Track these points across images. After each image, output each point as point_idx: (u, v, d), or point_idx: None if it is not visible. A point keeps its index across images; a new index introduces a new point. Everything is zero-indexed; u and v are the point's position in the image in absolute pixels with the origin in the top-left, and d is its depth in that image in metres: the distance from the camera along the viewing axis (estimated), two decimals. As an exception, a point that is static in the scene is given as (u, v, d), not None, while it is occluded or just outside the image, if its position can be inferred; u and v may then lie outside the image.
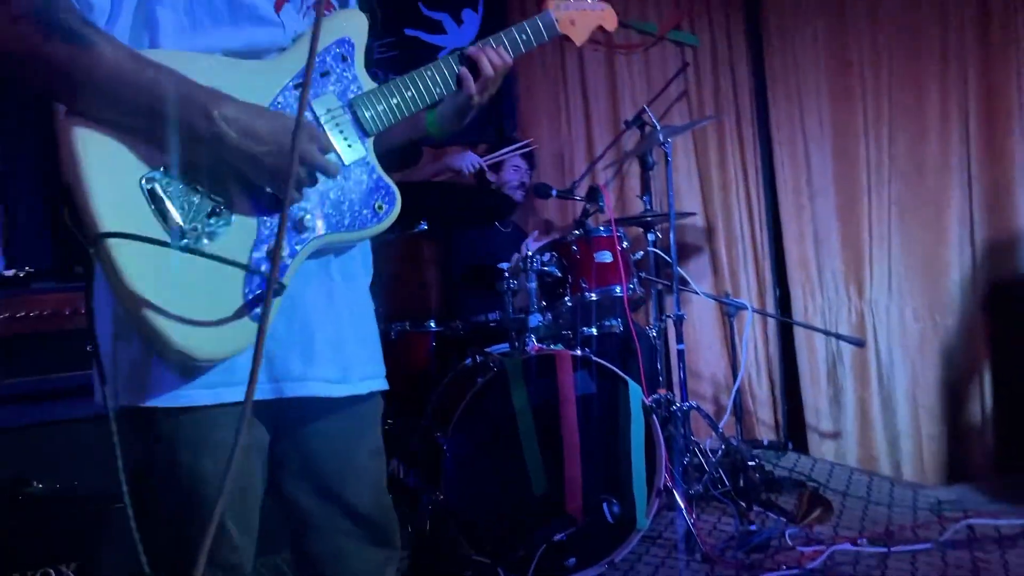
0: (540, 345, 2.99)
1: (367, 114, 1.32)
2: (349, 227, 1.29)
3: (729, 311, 4.14)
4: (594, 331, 3.30)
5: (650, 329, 3.68)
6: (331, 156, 1.27)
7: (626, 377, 2.87)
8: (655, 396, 3.36)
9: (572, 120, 4.59)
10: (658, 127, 3.66)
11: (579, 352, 2.88)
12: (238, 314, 1.16)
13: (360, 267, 1.44)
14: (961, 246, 3.96)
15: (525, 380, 2.74)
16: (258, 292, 1.17)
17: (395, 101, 1.35)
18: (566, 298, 3.21)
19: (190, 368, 1.18)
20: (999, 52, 3.80)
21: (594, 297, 3.17)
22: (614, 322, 3.41)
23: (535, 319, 3.06)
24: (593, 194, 3.41)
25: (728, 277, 4.57)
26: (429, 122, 1.52)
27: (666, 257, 3.65)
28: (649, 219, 3.80)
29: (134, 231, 1.07)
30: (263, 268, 1.18)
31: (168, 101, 1.09)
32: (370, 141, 1.34)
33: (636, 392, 2.86)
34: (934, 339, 4.04)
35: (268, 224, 1.21)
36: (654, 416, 2.91)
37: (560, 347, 3.01)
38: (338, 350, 1.34)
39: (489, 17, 4.44)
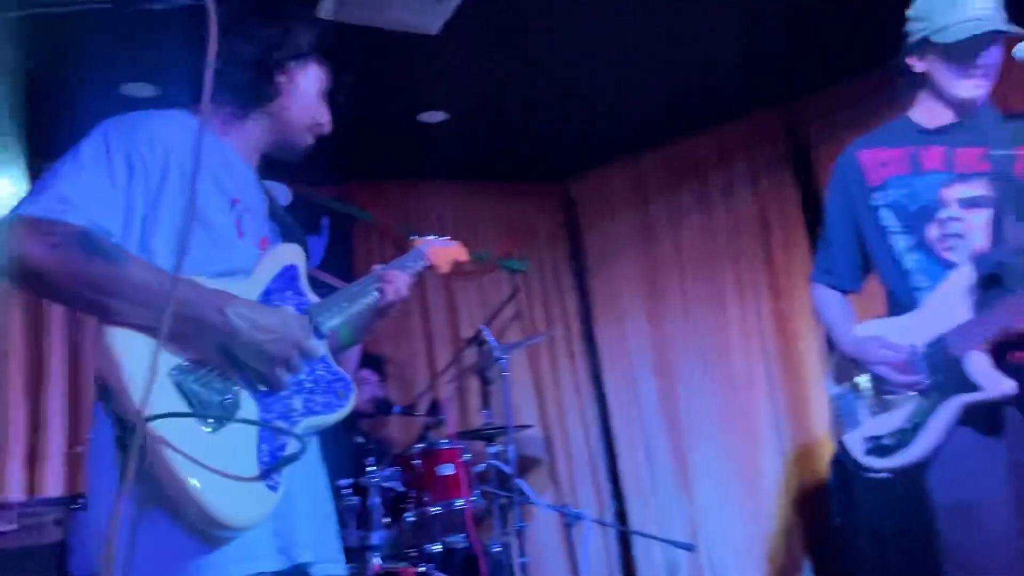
0: (383, 564, 2.93)
1: (319, 319, 1.55)
2: (322, 412, 1.49)
3: (569, 521, 4.22)
4: (438, 547, 3.28)
5: (493, 544, 3.68)
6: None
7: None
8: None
9: (413, 339, 4.76)
10: (494, 344, 3.89)
11: (423, 569, 2.85)
12: (257, 484, 1.32)
13: (319, 456, 1.60)
14: (774, 454, 4.31)
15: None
16: (270, 461, 1.34)
17: (338, 312, 1.60)
18: (409, 513, 3.19)
19: (213, 544, 1.29)
20: (785, 280, 4.39)
21: (437, 511, 3.18)
22: (457, 537, 3.40)
23: (378, 536, 3.02)
24: (435, 408, 3.51)
25: (567, 489, 4.70)
26: (343, 334, 1.73)
27: (506, 469, 3.74)
28: (489, 432, 3.92)
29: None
30: (271, 443, 1.37)
31: (190, 304, 1.30)
32: (324, 342, 1.56)
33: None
34: (759, 544, 4.27)
35: (267, 407, 1.40)
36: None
37: (404, 564, 2.97)
38: (324, 527, 1.52)
39: (333, 240, 4.65)
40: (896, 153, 2.04)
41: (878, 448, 2.02)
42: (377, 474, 3.13)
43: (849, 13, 3.45)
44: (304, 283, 1.59)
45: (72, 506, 2.51)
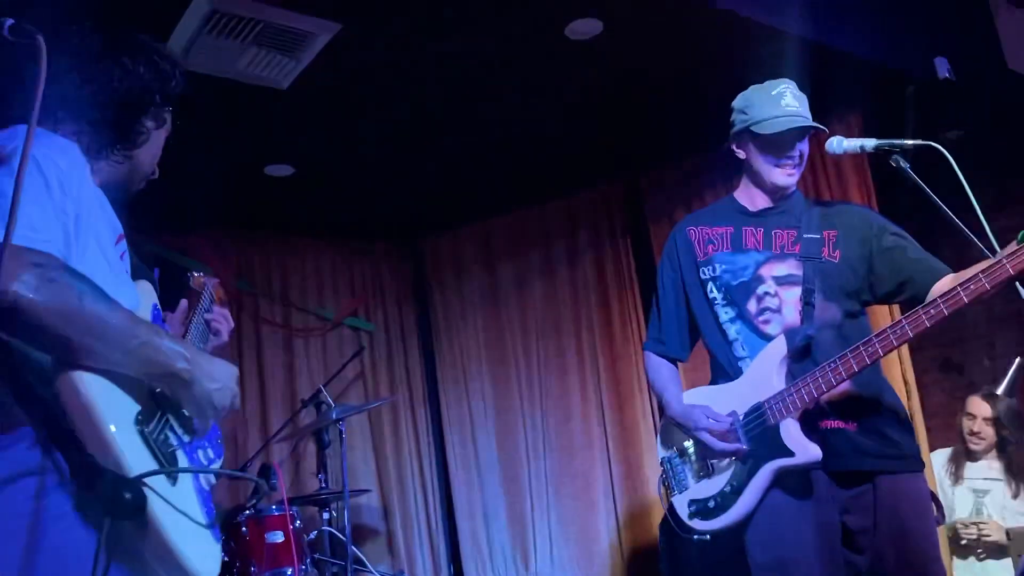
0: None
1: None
2: (216, 457, 1.49)
3: (404, 590, 4.12)
4: (262, 621, 3.09)
5: (323, 616, 3.52)
6: None
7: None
8: None
9: (246, 399, 4.56)
10: (333, 406, 3.79)
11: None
12: (209, 538, 1.33)
13: None
14: (607, 516, 4.41)
15: None
16: (207, 511, 1.35)
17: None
18: (233, 584, 3.01)
19: None
20: (621, 347, 4.56)
21: (263, 582, 3.02)
22: (286, 610, 3.23)
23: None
24: (265, 472, 3.35)
25: (404, 555, 4.58)
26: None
27: (341, 536, 3.61)
28: (324, 497, 3.78)
29: (145, 469, 1.19)
30: (202, 494, 1.38)
31: (166, 352, 1.29)
32: None
33: None
34: (593, 606, 4.32)
35: (190, 454, 1.39)
36: None
37: (223, 640, 2.77)
38: None
39: (165, 289, 4.42)
40: (721, 231, 2.20)
41: (702, 511, 2.12)
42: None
43: (685, 97, 3.71)
44: (164, 324, 1.58)
45: None
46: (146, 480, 1.18)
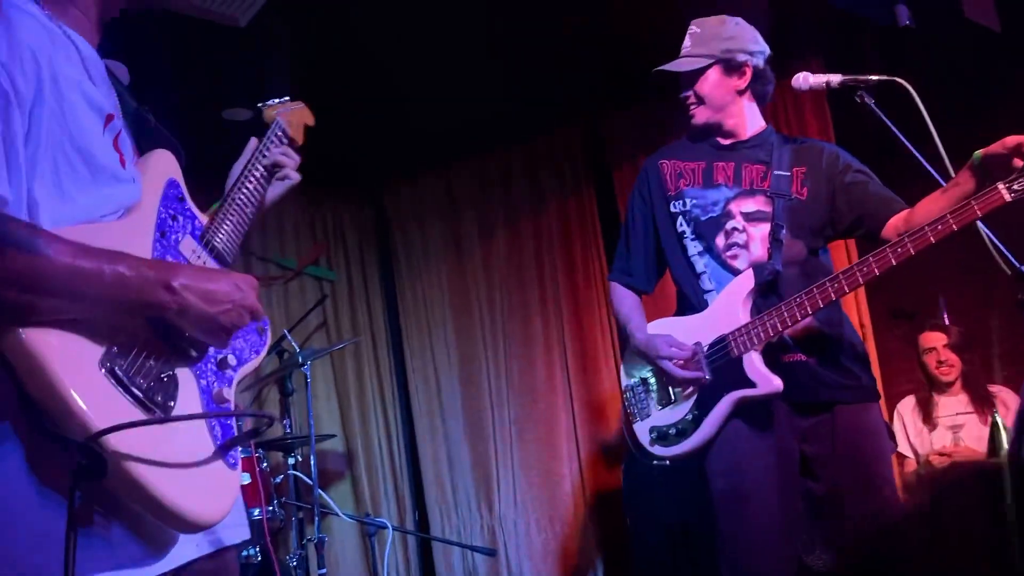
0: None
1: (219, 244, 1.40)
2: (251, 356, 1.38)
3: (370, 531, 4.15)
4: (230, 561, 3.11)
5: (290, 557, 3.54)
6: None
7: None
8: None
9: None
10: (298, 350, 3.77)
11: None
12: (219, 467, 1.21)
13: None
14: (570, 460, 4.49)
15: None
16: (223, 432, 1.24)
17: (234, 220, 1.46)
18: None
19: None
20: (584, 293, 4.60)
21: (231, 523, 3.02)
22: (251, 551, 3.25)
23: (164, 551, 2.81)
24: (231, 415, 3.34)
25: (369, 500, 4.63)
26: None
27: (307, 479, 3.63)
28: (289, 442, 3.79)
29: (118, 420, 1.05)
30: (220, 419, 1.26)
31: (130, 285, 1.10)
32: (229, 269, 1.41)
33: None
34: (555, 546, 4.42)
35: (202, 373, 1.27)
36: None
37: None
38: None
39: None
40: (692, 166, 2.23)
41: (662, 437, 2.18)
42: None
43: (644, 40, 3.70)
44: (189, 200, 1.38)
45: None
46: (112, 433, 1.04)
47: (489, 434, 4.65)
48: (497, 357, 4.73)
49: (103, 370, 1.10)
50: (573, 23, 3.61)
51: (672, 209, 2.23)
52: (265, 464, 3.25)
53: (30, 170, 1.11)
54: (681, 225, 2.21)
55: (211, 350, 1.29)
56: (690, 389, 2.14)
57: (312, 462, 3.57)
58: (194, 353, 1.26)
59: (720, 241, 2.15)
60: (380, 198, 5.18)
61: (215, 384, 1.28)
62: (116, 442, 1.06)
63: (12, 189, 1.09)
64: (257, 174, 1.57)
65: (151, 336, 1.18)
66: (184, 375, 1.23)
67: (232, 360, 1.33)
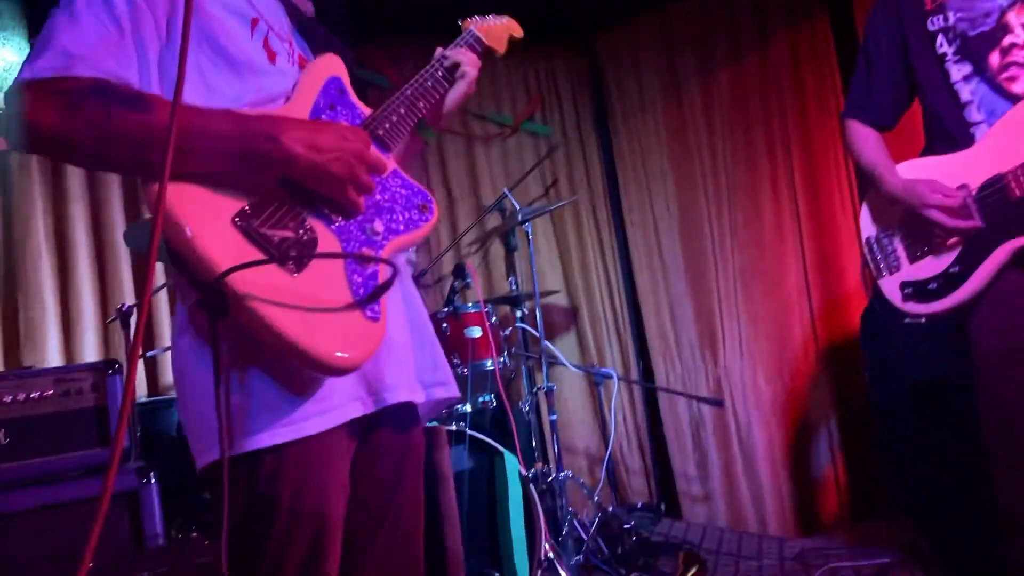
0: (415, 423, 2.98)
1: (381, 132, 1.41)
2: (406, 230, 1.36)
3: (597, 380, 4.28)
4: (467, 407, 3.33)
5: (523, 403, 3.74)
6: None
7: (502, 449, 2.90)
8: (532, 470, 3.40)
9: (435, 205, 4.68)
10: (519, 209, 3.82)
11: (454, 428, 2.90)
12: (358, 318, 1.22)
13: (409, 278, 1.52)
14: (800, 310, 4.28)
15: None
16: (365, 289, 1.25)
17: (402, 111, 1.46)
18: (439, 375, 3.22)
19: (312, 391, 1.23)
20: (818, 133, 4.23)
21: (466, 372, 3.21)
22: (487, 397, 3.45)
23: (409, 397, 3.05)
24: (459, 271, 3.48)
25: (594, 352, 4.73)
26: (426, 132, 1.59)
27: (534, 332, 3.75)
28: (515, 296, 3.91)
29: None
30: (362, 274, 1.27)
31: (234, 138, 1.17)
32: (391, 155, 1.43)
33: (513, 464, 2.89)
34: (785, 399, 4.31)
35: (347, 236, 1.29)
36: (532, 487, 2.94)
37: (436, 424, 3.01)
38: (423, 354, 1.44)
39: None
40: None
41: (920, 292, 1.97)
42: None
43: None
44: (352, 95, 1.44)
45: (108, 371, 2.54)
46: (241, 272, 1.11)
47: (712, 286, 4.52)
48: (720, 206, 4.53)
49: (235, 224, 1.18)
50: None
51: (930, 27, 1.90)
52: (494, 318, 3.38)
53: (170, 67, 1.23)
54: (942, 45, 1.89)
55: (359, 217, 1.31)
56: (954, 239, 1.89)
57: (538, 315, 3.67)
58: (335, 215, 1.29)
59: (994, 60, 1.83)
60: (593, 47, 4.99)
61: (361, 248, 1.29)
62: (242, 284, 1.12)
63: (139, 78, 1.22)
64: (438, 73, 1.56)
65: (288, 196, 1.24)
66: (326, 235, 1.26)
67: (380, 227, 1.33)
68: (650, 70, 4.75)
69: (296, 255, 1.19)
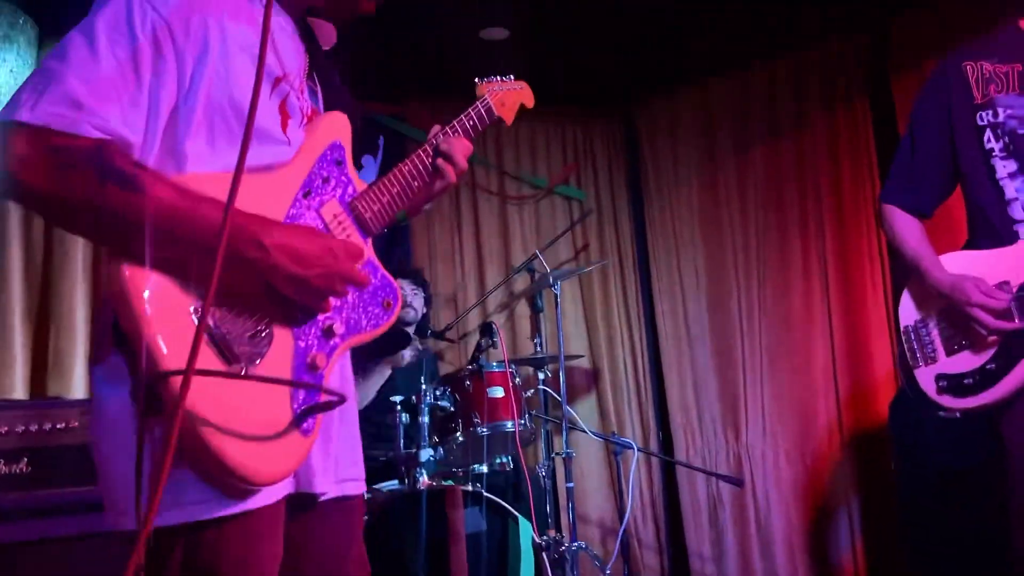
0: (430, 481, 2.95)
1: (367, 215, 1.38)
2: (366, 327, 1.33)
3: (616, 450, 4.21)
4: (484, 468, 3.29)
5: (540, 467, 3.69)
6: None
7: (516, 514, 2.85)
8: (545, 537, 3.33)
9: (465, 261, 4.71)
10: (548, 271, 3.83)
11: (470, 488, 2.86)
12: (289, 431, 1.18)
13: (350, 370, 1.46)
14: (827, 393, 4.22)
15: (415, 516, 2.68)
16: (305, 406, 1.20)
17: (386, 199, 1.41)
18: (458, 433, 3.20)
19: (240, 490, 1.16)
20: (852, 216, 4.22)
21: (485, 432, 3.18)
22: (504, 459, 3.41)
23: (426, 454, 3.02)
24: (488, 329, 3.47)
25: (614, 419, 4.68)
26: (400, 215, 1.56)
27: (556, 396, 3.72)
28: (540, 358, 3.89)
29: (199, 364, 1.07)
30: (309, 379, 1.23)
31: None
32: (370, 241, 1.40)
33: (527, 531, 2.84)
34: (806, 481, 4.22)
35: (303, 337, 1.24)
36: (544, 555, 2.88)
37: (451, 483, 2.98)
38: (353, 449, 1.41)
39: (388, 161, 4.61)
40: (1006, 69, 1.89)
41: (955, 387, 1.93)
42: (428, 393, 3.12)
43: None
44: (350, 166, 1.38)
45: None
46: (191, 376, 1.01)
47: (738, 361, 4.48)
48: (749, 281, 4.51)
49: (192, 314, 1.12)
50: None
51: (979, 121, 1.91)
52: (517, 379, 3.35)
53: (183, 123, 1.18)
54: (989, 141, 1.90)
55: (320, 315, 1.26)
56: (993, 337, 1.87)
57: (561, 378, 3.64)
58: (298, 314, 1.24)
59: (1042, 161, 1.83)
60: (631, 115, 5.05)
61: (313, 349, 1.25)
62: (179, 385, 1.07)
63: (144, 136, 1.16)
64: (428, 160, 1.50)
65: (254, 291, 1.19)
66: (282, 333, 1.22)
67: (339, 328, 1.29)
68: (686, 141, 4.80)
69: (244, 366, 1.15)
